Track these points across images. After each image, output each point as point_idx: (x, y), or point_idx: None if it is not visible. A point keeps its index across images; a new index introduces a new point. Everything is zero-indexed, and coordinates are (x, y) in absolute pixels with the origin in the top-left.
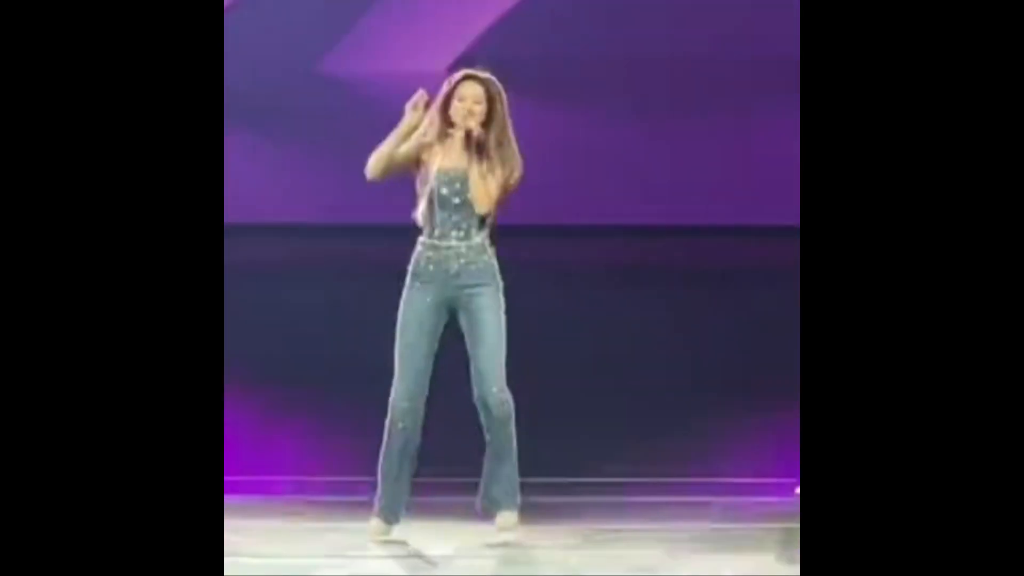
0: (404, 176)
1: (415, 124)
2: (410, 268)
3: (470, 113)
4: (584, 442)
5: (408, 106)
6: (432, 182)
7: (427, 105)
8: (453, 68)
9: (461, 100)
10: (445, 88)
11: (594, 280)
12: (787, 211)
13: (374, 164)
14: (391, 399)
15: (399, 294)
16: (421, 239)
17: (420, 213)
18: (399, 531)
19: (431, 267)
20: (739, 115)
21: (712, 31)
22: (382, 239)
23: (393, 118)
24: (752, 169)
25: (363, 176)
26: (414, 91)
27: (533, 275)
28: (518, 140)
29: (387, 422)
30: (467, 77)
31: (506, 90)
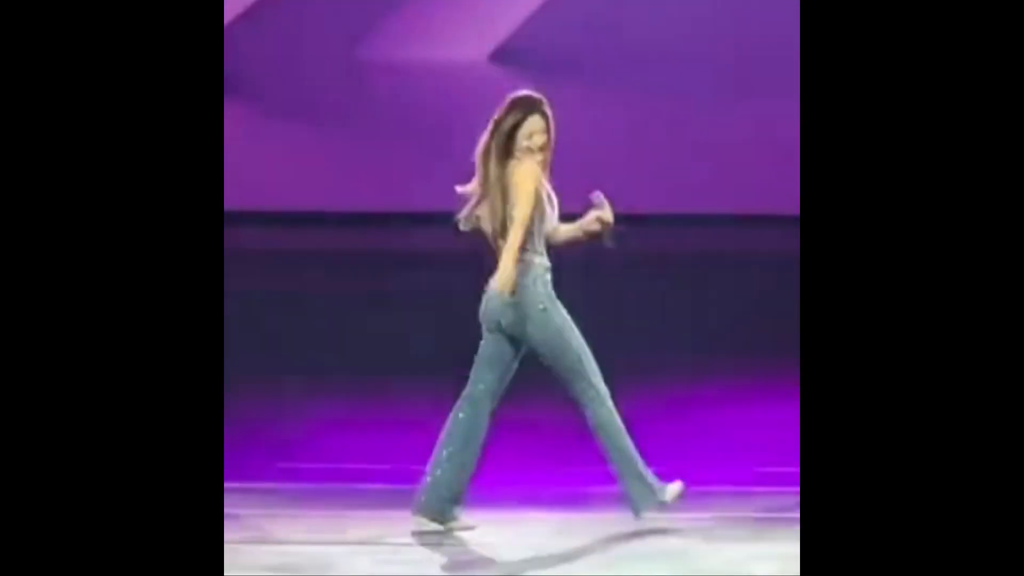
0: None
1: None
2: (548, 289)
3: (542, 147)
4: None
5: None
6: (546, 204)
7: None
8: (493, 58)
9: (530, 137)
10: (510, 120)
11: (596, 267)
12: (788, 201)
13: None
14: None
15: (406, 281)
16: (540, 260)
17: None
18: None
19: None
20: (740, 104)
21: (714, 20)
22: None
23: (426, 107)
24: (753, 159)
25: (400, 162)
26: (451, 79)
27: None
28: None
29: None
30: (532, 111)
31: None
